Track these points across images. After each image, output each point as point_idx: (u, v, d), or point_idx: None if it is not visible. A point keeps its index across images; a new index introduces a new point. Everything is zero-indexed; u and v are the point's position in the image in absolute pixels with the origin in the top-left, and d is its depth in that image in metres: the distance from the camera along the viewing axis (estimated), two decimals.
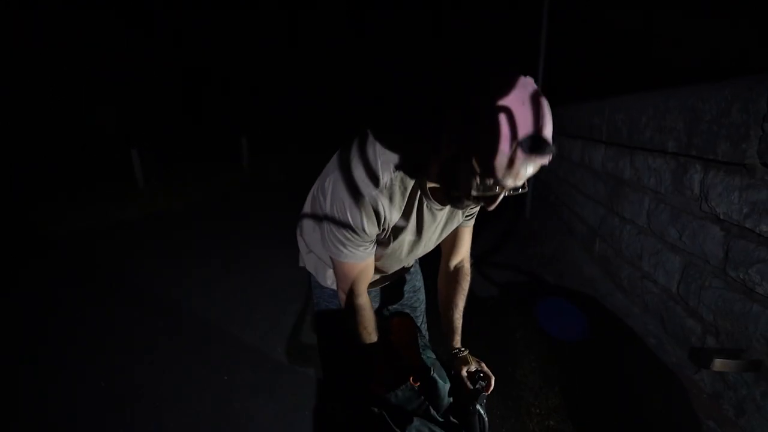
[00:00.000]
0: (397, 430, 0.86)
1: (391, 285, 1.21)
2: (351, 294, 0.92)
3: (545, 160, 0.65)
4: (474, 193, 0.70)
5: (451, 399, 0.94)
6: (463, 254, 1.10)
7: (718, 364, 1.32)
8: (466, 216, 1.02)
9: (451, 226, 1.00)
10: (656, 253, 1.96)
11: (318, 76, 18.06)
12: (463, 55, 14.50)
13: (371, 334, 0.94)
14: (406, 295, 1.24)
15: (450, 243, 1.08)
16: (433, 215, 0.90)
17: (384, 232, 0.86)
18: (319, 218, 0.90)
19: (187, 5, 15.25)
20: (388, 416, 0.88)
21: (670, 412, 1.63)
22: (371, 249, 0.89)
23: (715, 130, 1.50)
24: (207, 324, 2.55)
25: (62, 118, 11.65)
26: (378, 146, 0.80)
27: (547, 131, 0.63)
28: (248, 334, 2.43)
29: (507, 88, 0.62)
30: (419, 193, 0.84)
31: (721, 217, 1.49)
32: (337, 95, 17.31)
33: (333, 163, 0.86)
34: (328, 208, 0.84)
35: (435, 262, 1.18)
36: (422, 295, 1.30)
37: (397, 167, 0.79)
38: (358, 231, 0.82)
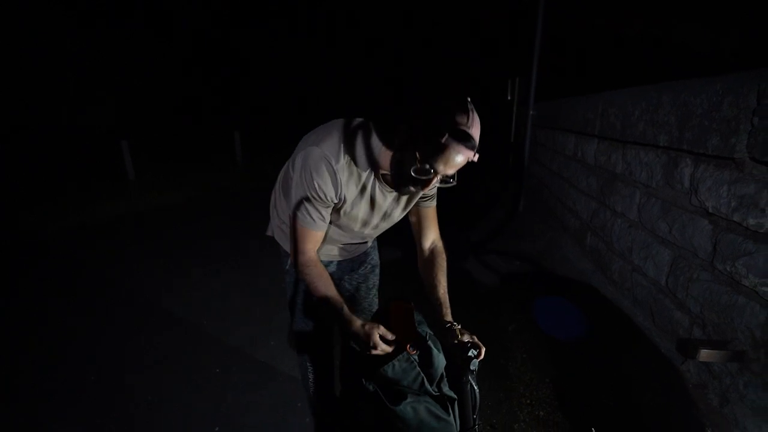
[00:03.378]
0: (391, 406, 0.87)
1: (351, 260, 1.32)
2: (302, 253, 1.05)
3: (470, 153, 0.83)
4: (414, 174, 0.86)
5: (444, 372, 0.96)
6: (433, 235, 1.21)
7: (704, 354, 1.34)
8: (422, 198, 1.14)
9: (404, 208, 1.14)
10: (646, 246, 1.98)
11: (315, 71, 17.90)
12: (457, 50, 14.48)
13: (327, 285, 1.04)
14: (362, 269, 1.37)
15: (418, 227, 1.21)
16: (384, 196, 1.06)
17: (340, 202, 1.01)
18: (289, 187, 1.03)
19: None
20: (382, 393, 0.90)
21: (657, 401, 1.66)
22: (325, 217, 1.03)
23: (706, 125, 1.52)
24: (199, 321, 2.54)
25: (53, 115, 11.45)
26: (344, 132, 0.98)
27: (475, 131, 0.83)
28: (241, 331, 2.43)
29: (448, 101, 0.84)
30: (372, 176, 1.01)
31: (710, 210, 1.50)
32: (334, 90, 17.21)
33: (305, 141, 1.01)
34: (297, 176, 0.98)
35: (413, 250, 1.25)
36: (377, 273, 1.44)
37: (356, 152, 0.97)
38: (319, 193, 0.96)
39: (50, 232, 4.35)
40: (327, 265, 1.24)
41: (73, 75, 12.34)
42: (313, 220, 1.01)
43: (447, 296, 1.10)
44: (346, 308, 1.00)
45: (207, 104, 15.69)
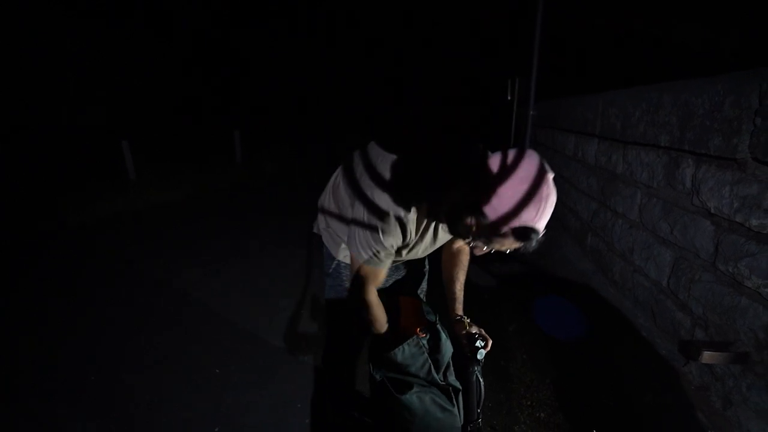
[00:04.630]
0: (397, 395, 0.88)
1: (407, 268, 1.34)
2: (363, 291, 1.02)
3: (531, 243, 0.78)
4: (467, 240, 0.84)
5: (450, 361, 1.02)
6: None
7: (707, 356, 1.33)
8: None
9: None
10: (648, 247, 1.98)
11: (314, 70, 17.89)
12: (457, 50, 14.45)
13: (383, 324, 1.05)
14: (416, 276, 1.38)
15: None
16: (444, 229, 1.04)
17: (405, 247, 1.01)
18: (347, 219, 1.03)
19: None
20: (389, 383, 0.91)
21: (659, 403, 1.65)
22: (389, 260, 1.00)
23: (708, 125, 1.51)
24: (199, 321, 2.53)
25: (53, 115, 11.45)
26: (407, 180, 0.91)
27: (541, 224, 0.75)
28: (241, 331, 2.42)
29: (520, 168, 0.73)
30: (435, 222, 1.00)
31: (712, 211, 1.50)
32: (334, 90, 17.20)
33: (365, 175, 0.96)
34: (361, 216, 0.94)
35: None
36: (426, 278, 1.45)
37: (421, 202, 0.92)
38: (386, 245, 0.93)
39: (50, 232, 4.34)
40: None
41: (73, 75, 12.34)
42: (380, 260, 0.98)
43: (462, 292, 1.15)
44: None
45: (207, 104, 15.67)
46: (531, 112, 4.38)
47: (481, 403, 1.00)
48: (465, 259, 1.18)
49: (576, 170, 3.10)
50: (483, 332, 1.03)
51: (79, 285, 3.06)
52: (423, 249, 1.09)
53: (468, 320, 1.06)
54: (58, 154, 9.02)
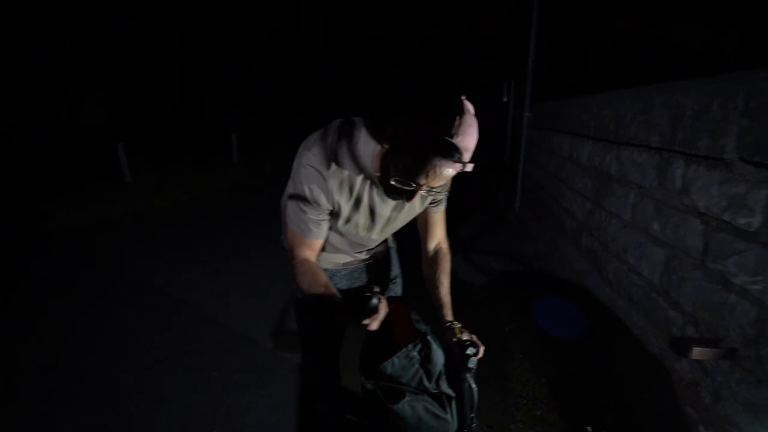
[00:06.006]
0: (389, 405, 0.89)
1: (368, 272, 1.27)
2: (295, 258, 1.02)
3: (457, 166, 0.73)
4: (395, 184, 0.79)
5: (443, 368, 0.97)
6: (438, 238, 1.18)
7: (696, 352, 1.36)
8: (431, 204, 1.10)
9: (409, 213, 1.08)
10: (640, 246, 2.00)
11: (312, 71, 17.90)
12: (457, 50, 14.48)
13: (321, 279, 0.98)
14: (383, 279, 1.31)
15: (424, 229, 1.18)
16: (384, 202, 0.99)
17: (334, 209, 0.97)
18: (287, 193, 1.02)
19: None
20: (381, 392, 0.91)
21: (652, 400, 1.68)
22: (321, 225, 0.99)
23: (697, 126, 1.53)
24: (199, 321, 2.56)
25: (52, 115, 11.46)
26: (335, 136, 0.92)
27: (465, 141, 0.72)
28: (241, 331, 2.44)
29: (435, 103, 0.74)
30: (368, 183, 0.95)
31: (702, 210, 1.52)
32: (334, 90, 17.20)
33: (302, 146, 0.97)
34: (290, 181, 0.97)
35: (417, 250, 1.24)
36: (399, 284, 1.37)
37: (347, 157, 0.91)
38: (310, 201, 0.93)
39: (50, 232, 4.37)
40: (337, 272, 1.21)
41: (72, 75, 12.35)
42: (308, 227, 0.97)
43: (449, 297, 1.10)
44: (339, 296, 0.96)
45: (207, 104, 15.69)
46: (526, 114, 4.41)
47: (475, 409, 0.99)
48: (446, 263, 1.15)
49: (571, 171, 3.13)
50: (475, 339, 0.97)
51: (79, 285, 3.08)
52: (364, 224, 1.04)
53: (459, 326, 1.01)
54: (57, 154, 9.04)
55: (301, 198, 0.94)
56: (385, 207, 1.01)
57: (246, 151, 9.21)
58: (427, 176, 0.75)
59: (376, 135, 0.90)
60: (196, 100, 15.64)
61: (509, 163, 6.83)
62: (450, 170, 0.74)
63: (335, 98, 16.36)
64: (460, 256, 3.48)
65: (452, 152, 0.71)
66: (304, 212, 0.95)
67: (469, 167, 0.75)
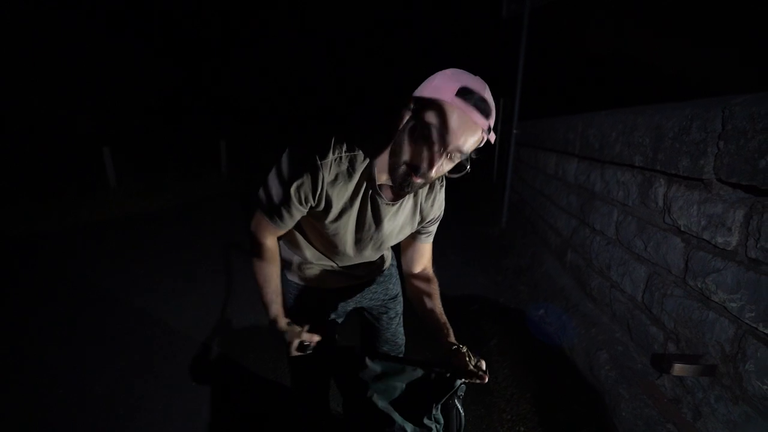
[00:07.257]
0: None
1: (364, 290, 1.23)
2: (258, 240, 0.99)
3: (483, 120, 0.72)
4: (410, 157, 0.76)
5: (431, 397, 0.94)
6: (424, 263, 1.15)
7: (677, 368, 1.38)
8: (423, 233, 1.08)
9: (401, 233, 1.05)
10: (623, 263, 2.04)
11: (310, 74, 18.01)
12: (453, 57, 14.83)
13: (272, 272, 0.99)
14: (380, 300, 1.28)
15: (410, 257, 1.14)
16: (380, 213, 0.94)
17: (320, 205, 0.89)
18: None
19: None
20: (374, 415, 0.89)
21: (635, 416, 1.68)
22: (288, 218, 0.93)
23: (677, 147, 1.59)
24: (188, 328, 2.50)
25: (34, 120, 11.21)
26: (339, 129, 0.88)
27: (487, 95, 0.74)
28: (220, 343, 2.38)
29: (453, 73, 0.75)
30: (366, 185, 0.89)
31: (682, 229, 1.57)
32: (332, 90, 17.29)
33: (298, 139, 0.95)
34: (275, 165, 0.89)
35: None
36: (399, 302, 1.33)
37: (350, 149, 0.85)
38: (291, 190, 0.86)
39: (29, 238, 4.22)
40: (327, 292, 1.18)
41: (59, 80, 12.15)
42: (279, 216, 0.92)
43: (444, 317, 1.05)
44: (277, 304, 0.97)
45: (195, 110, 15.59)
46: (514, 131, 4.50)
47: (462, 431, 0.97)
48: (435, 288, 1.12)
49: (557, 188, 3.19)
50: (482, 365, 0.87)
51: (61, 294, 2.97)
52: (351, 237, 0.98)
53: (465, 350, 0.89)
54: (43, 159, 8.81)
55: (281, 182, 0.87)
56: (379, 214, 0.95)
57: (235, 158, 9.14)
58: (455, 130, 0.71)
59: (382, 133, 0.86)
60: (185, 105, 15.53)
61: (497, 179, 6.94)
62: (475, 121, 0.71)
63: (333, 98, 16.43)
64: (447, 272, 3.49)
65: (479, 99, 0.72)
66: (281, 199, 0.89)
67: (492, 136, 0.75)
